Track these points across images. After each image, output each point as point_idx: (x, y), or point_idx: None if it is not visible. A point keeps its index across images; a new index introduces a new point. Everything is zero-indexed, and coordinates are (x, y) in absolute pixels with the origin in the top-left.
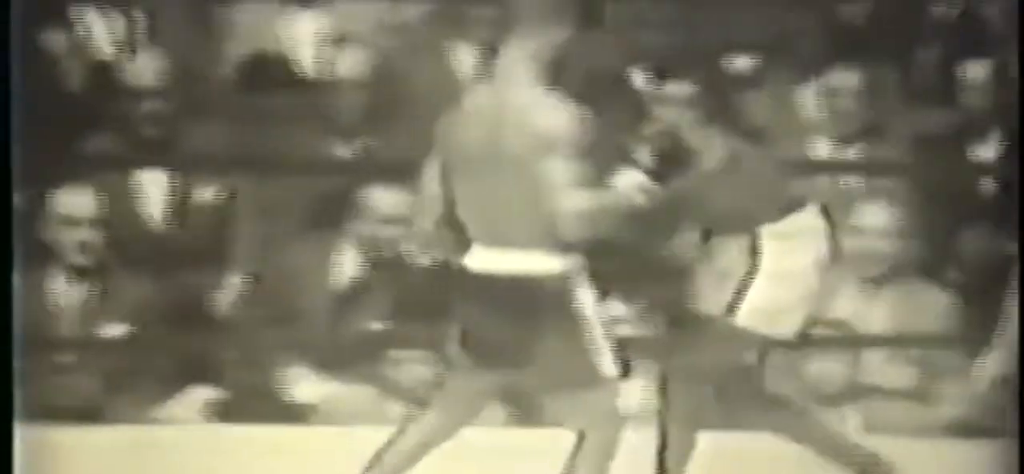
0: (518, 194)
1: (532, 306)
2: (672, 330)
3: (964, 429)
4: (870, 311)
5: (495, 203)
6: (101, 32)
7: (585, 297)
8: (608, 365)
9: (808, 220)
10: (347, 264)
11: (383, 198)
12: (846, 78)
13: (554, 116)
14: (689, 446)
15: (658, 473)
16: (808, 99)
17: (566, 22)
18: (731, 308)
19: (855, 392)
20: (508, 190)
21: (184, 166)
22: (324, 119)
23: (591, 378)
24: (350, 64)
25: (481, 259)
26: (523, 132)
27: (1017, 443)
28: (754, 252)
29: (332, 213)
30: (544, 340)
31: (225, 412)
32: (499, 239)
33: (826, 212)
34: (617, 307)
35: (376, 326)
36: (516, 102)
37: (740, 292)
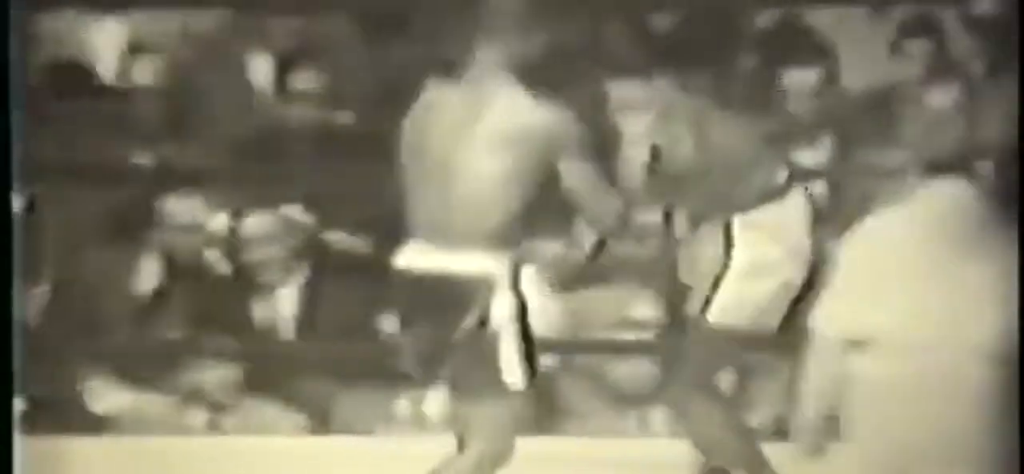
0: (476, 192)
1: (456, 309)
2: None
3: (781, 431)
4: None
5: (449, 199)
6: None
7: (503, 304)
8: (514, 377)
9: (786, 207)
10: (148, 273)
11: (182, 206)
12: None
13: (549, 117)
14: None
15: None
16: None
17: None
18: (704, 306)
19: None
20: (466, 187)
21: None
22: (124, 127)
23: (495, 389)
24: (149, 72)
25: (412, 257)
26: (507, 131)
27: (1017, 444)
28: (727, 245)
29: (133, 222)
30: (458, 345)
31: (27, 423)
32: (443, 237)
33: (812, 198)
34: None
35: (176, 335)
36: (499, 102)
37: (713, 288)
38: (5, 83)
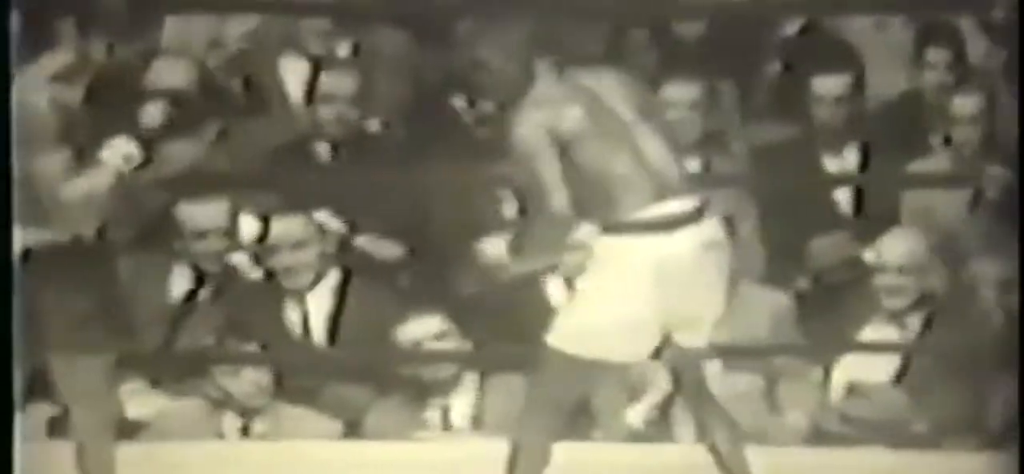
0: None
1: None
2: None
3: (816, 437)
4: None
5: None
6: None
7: None
8: None
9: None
10: (178, 279)
11: (209, 212)
12: (681, 91)
13: None
14: (543, 459)
15: None
16: None
17: None
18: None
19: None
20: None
21: None
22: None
23: None
24: (178, 77)
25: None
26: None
27: (1017, 454)
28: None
29: (160, 228)
30: None
31: (61, 428)
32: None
33: (731, 227)
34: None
35: (208, 340)
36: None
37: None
38: (6, 85)
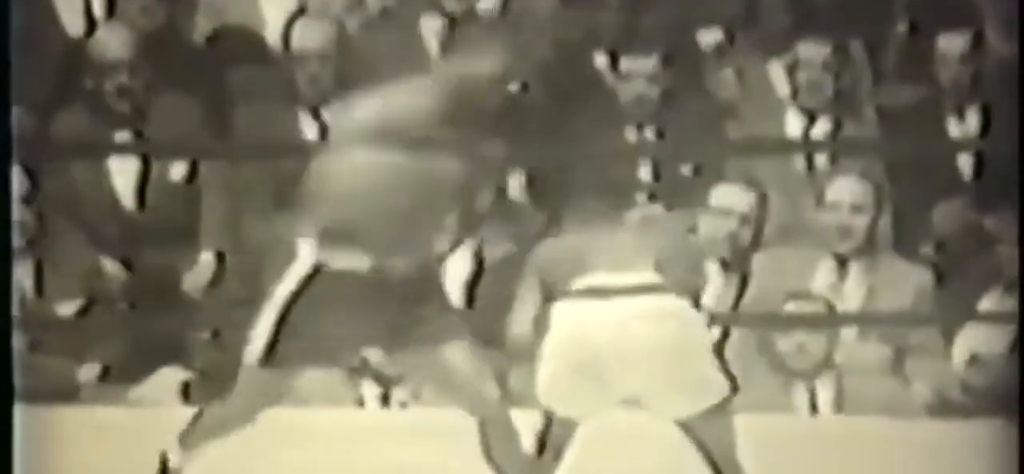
0: None
1: None
2: None
3: (940, 408)
4: (843, 287)
5: None
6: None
7: None
8: None
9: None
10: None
11: None
12: (814, 51)
13: None
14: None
15: (537, 452)
16: (776, 73)
17: None
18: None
19: (829, 368)
20: None
21: (151, 143)
22: (290, 94)
23: None
24: (315, 37)
25: None
26: None
27: (1017, 423)
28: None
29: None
30: None
31: (196, 392)
32: None
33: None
34: None
35: None
36: None
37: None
38: (6, 75)
